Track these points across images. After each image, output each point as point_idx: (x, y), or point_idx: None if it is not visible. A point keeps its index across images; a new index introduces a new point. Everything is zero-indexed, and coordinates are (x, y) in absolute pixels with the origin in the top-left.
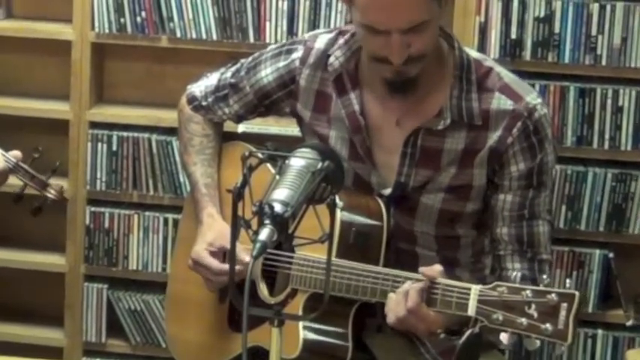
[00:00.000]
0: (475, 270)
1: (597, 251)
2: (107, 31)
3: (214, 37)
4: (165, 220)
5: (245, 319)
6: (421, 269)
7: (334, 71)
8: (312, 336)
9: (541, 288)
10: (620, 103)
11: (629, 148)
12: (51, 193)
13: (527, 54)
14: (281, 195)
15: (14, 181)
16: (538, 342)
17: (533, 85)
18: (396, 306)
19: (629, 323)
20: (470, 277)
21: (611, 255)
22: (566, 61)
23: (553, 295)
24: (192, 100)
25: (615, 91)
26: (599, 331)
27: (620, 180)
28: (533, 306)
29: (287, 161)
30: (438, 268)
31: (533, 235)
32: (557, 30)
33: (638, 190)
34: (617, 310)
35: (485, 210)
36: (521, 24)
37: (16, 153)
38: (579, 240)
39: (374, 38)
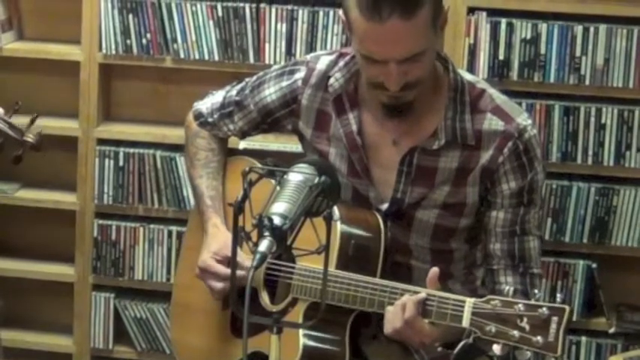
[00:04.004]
0: (467, 282)
1: (581, 262)
2: (114, 52)
3: (216, 57)
4: (170, 233)
5: (245, 327)
6: (429, 275)
7: (334, 92)
8: (311, 343)
9: (533, 302)
10: (603, 121)
11: (611, 163)
12: (30, 137)
13: (514, 74)
14: (280, 208)
15: None
16: (529, 353)
17: (520, 104)
18: (394, 317)
19: (612, 330)
20: (462, 288)
21: (594, 265)
22: (552, 80)
23: (544, 309)
24: (198, 116)
25: (598, 109)
26: (583, 338)
27: (603, 194)
28: (525, 319)
29: (285, 176)
30: (434, 269)
31: (524, 250)
32: (542, 51)
33: (620, 203)
34: (600, 318)
35: (477, 225)
36: (509, 45)
37: None
38: (564, 251)
39: (371, 66)
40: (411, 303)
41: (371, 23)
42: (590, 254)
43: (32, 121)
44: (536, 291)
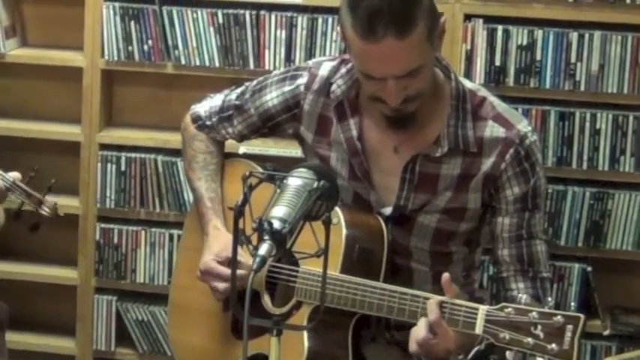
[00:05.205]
0: (465, 284)
1: (576, 265)
2: (116, 58)
3: (217, 64)
4: (171, 236)
5: (245, 330)
6: (443, 281)
7: (336, 98)
8: (315, 345)
9: (547, 310)
10: (598, 126)
11: (606, 168)
12: (45, 211)
13: (510, 80)
14: (279, 212)
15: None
16: None
17: (515, 110)
18: (416, 330)
19: (606, 333)
20: (461, 291)
21: (589, 269)
22: (547, 86)
23: (559, 317)
24: (196, 119)
25: (593, 114)
26: None
27: (598, 198)
28: (540, 327)
29: (285, 180)
30: (445, 275)
31: (532, 254)
32: (538, 57)
33: (615, 207)
34: (594, 320)
35: (476, 229)
36: (505, 52)
37: (15, 174)
38: (559, 254)
39: (370, 82)
40: (434, 305)
41: (366, 43)
42: (585, 257)
43: (49, 189)
44: (549, 299)
